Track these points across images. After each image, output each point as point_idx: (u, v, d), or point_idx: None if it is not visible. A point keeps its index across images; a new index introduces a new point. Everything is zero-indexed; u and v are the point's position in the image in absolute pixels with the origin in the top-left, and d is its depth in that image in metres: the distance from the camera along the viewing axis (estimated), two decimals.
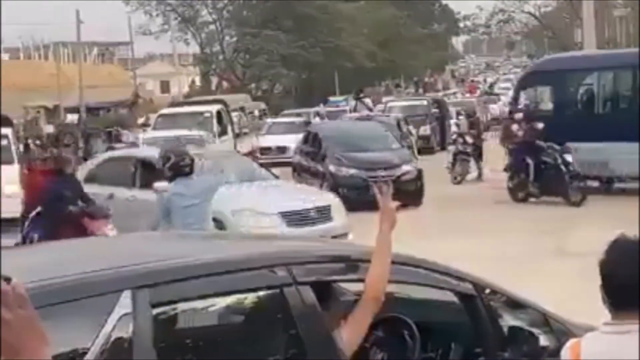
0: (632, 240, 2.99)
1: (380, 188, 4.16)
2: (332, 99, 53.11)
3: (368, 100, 41.18)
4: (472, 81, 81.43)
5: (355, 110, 38.54)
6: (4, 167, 17.96)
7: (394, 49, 68.56)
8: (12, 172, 17.90)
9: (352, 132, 22.05)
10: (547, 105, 20.79)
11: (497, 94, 51.72)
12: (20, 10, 76.64)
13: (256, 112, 51.06)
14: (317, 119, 40.92)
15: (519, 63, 76.06)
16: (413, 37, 72.03)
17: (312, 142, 21.50)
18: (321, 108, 47.48)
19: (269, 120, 40.45)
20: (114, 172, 15.30)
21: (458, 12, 79.18)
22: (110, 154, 19.51)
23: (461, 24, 77.45)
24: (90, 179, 14.78)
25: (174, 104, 34.40)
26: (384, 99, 43.69)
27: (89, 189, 12.51)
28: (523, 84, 22.15)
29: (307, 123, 31.72)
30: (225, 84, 61.49)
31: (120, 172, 15.11)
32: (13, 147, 19.12)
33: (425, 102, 36.76)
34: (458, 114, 36.74)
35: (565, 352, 3.03)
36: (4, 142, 18.77)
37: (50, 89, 48.59)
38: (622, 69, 20.20)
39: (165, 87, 72.73)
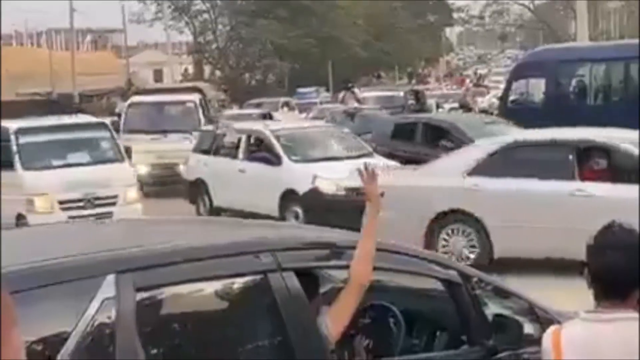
0: (623, 227, 2.97)
1: (364, 175, 4.15)
2: (300, 90, 49.30)
3: (357, 91, 39.76)
4: (461, 74, 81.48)
5: (343, 101, 36.95)
6: (108, 166, 14.67)
7: (388, 40, 68.51)
8: (125, 172, 14.90)
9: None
10: (539, 97, 20.81)
11: (485, 86, 51.53)
12: None
13: (215, 104, 48.30)
14: (285, 110, 38.82)
15: (512, 55, 76.03)
16: (407, 28, 71.95)
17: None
18: (290, 99, 44.97)
19: (227, 112, 38.52)
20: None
21: (452, 3, 79.10)
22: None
23: (455, 15, 77.38)
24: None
25: (140, 92, 28.15)
26: (359, 90, 41.56)
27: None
28: (515, 75, 22.16)
29: (265, 116, 29.85)
30: (218, 72, 61.38)
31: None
32: (118, 142, 15.69)
33: (401, 94, 35.49)
34: (438, 106, 36.40)
35: (547, 338, 3.02)
36: (99, 134, 15.28)
37: (43, 76, 48.44)
38: (614, 61, 20.22)
39: (158, 75, 72.57)
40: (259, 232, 4.36)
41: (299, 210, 14.31)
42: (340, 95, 38.73)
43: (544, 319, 4.40)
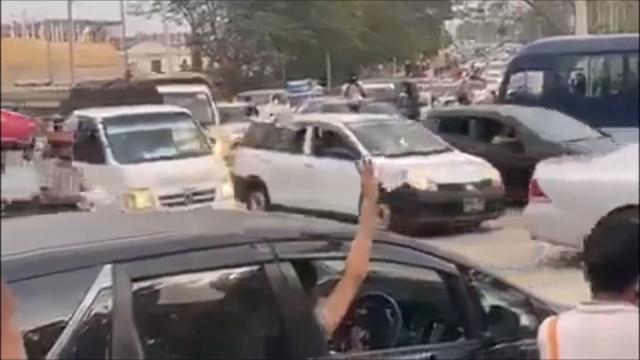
0: (621, 219, 2.96)
1: (364, 168, 4.15)
2: (292, 82, 45.53)
3: (361, 84, 38.77)
4: (457, 67, 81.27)
5: (347, 94, 35.87)
6: (202, 159, 14.06)
7: (386, 32, 68.40)
8: (218, 165, 14.41)
9: None
10: (538, 90, 20.79)
11: (482, 79, 51.30)
12: None
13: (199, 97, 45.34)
14: (276, 103, 36.52)
15: (510, 49, 75.93)
16: (406, 21, 71.84)
17: None
18: (282, 92, 42.00)
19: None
20: None
21: None
22: None
23: (454, 8, 77.25)
24: None
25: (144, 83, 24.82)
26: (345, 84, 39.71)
27: None
28: (514, 68, 22.13)
29: (251, 110, 28.20)
30: (216, 64, 61.29)
31: None
32: (205, 132, 15.00)
33: (392, 86, 33.94)
34: (433, 99, 35.78)
35: (543, 330, 3.02)
36: (183, 124, 14.59)
37: (41, 67, 48.41)
38: (613, 54, 20.20)
39: (156, 66, 72.48)
40: (255, 223, 4.36)
41: (385, 208, 12.94)
42: (344, 87, 37.90)
43: (540, 311, 4.40)
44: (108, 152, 13.32)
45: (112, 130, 13.56)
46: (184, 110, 15.48)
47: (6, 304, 2.11)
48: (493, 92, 23.39)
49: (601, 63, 20.64)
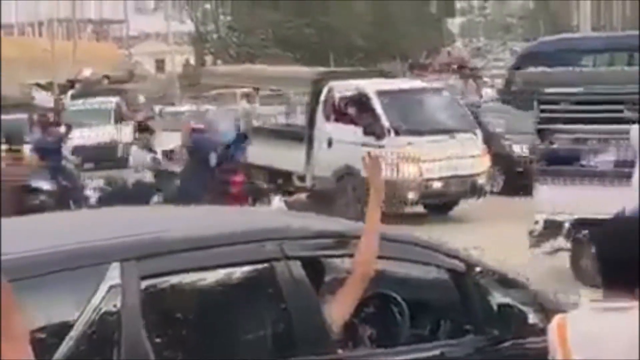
0: (633, 218, 2.94)
1: (369, 164, 4.14)
2: None
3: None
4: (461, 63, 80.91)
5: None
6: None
7: (389, 30, 68.30)
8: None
9: None
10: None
11: (480, 77, 50.80)
12: None
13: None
14: (244, 102, 35.99)
15: (512, 48, 75.68)
16: (409, 18, 71.76)
17: None
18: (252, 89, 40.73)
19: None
20: None
21: None
22: None
23: (457, 6, 77.25)
24: None
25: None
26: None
27: None
28: (517, 66, 22.07)
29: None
30: (219, 63, 61.28)
31: None
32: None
33: None
34: None
35: (552, 328, 2.99)
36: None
37: (44, 66, 48.34)
38: (618, 51, 20.15)
39: (160, 65, 72.45)
40: (264, 221, 4.35)
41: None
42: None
43: (548, 309, 4.39)
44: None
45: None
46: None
47: (9, 304, 2.10)
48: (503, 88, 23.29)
49: (606, 60, 20.59)
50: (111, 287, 3.30)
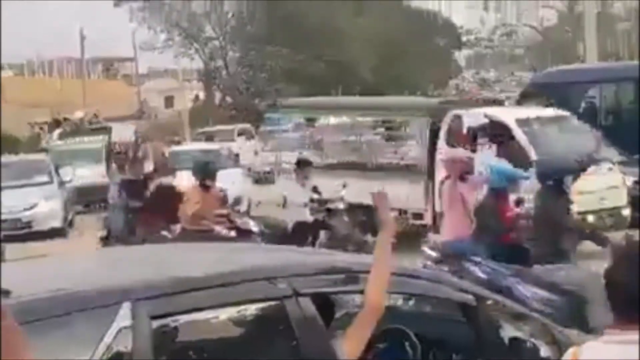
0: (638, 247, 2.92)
1: (377, 199, 4.13)
2: (270, 115, 37.40)
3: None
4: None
5: None
6: None
7: (397, 64, 68.58)
8: None
9: None
10: None
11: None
12: (25, 27, 76.85)
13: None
14: (240, 140, 33.79)
15: (517, 78, 75.80)
16: (416, 52, 72.07)
17: None
18: (248, 126, 38.83)
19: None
20: None
21: (460, 27, 79.24)
22: None
23: (464, 38, 77.49)
24: None
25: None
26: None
27: None
28: (524, 97, 22.12)
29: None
30: (228, 99, 61.55)
31: None
32: None
33: None
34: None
35: None
36: None
37: (55, 106, 48.65)
38: (624, 81, 20.18)
39: (169, 102, 72.81)
40: (274, 258, 4.35)
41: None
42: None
43: (561, 341, 4.37)
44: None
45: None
46: None
47: (19, 346, 2.11)
48: None
49: (612, 91, 20.61)
50: (122, 327, 3.30)
